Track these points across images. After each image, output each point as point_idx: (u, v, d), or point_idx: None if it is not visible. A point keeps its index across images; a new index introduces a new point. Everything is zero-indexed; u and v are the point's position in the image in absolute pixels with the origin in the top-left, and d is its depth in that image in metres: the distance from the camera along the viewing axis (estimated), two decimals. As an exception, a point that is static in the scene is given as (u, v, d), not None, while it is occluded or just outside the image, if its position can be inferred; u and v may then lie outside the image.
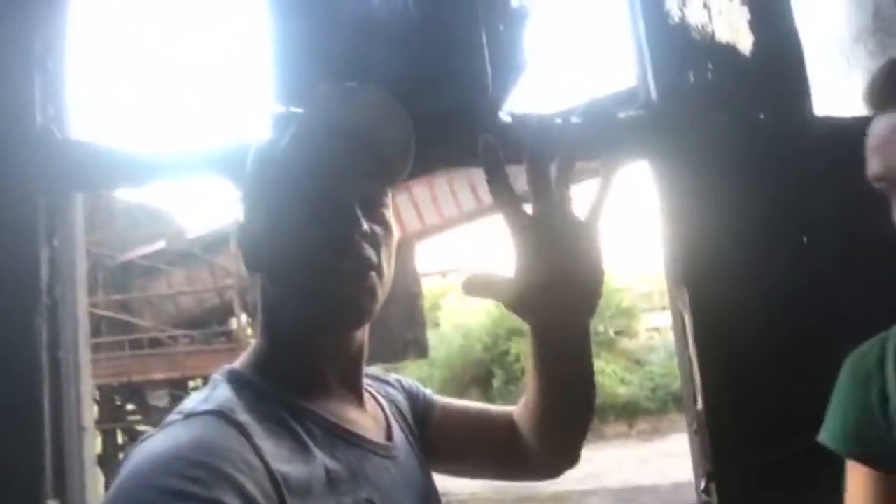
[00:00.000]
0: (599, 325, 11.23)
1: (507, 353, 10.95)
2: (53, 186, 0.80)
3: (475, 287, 0.49)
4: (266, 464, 0.40)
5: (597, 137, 0.92)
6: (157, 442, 0.41)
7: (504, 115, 0.91)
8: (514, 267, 0.48)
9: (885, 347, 0.55)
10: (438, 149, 0.84)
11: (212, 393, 0.46)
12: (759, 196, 0.90)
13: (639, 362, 11.21)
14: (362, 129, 0.49)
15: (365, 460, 0.48)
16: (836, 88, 1.06)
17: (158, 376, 7.34)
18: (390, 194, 0.52)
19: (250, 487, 0.38)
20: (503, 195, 0.49)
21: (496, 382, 10.75)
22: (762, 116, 0.92)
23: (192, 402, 0.45)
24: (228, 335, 8.10)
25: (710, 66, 0.93)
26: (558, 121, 0.93)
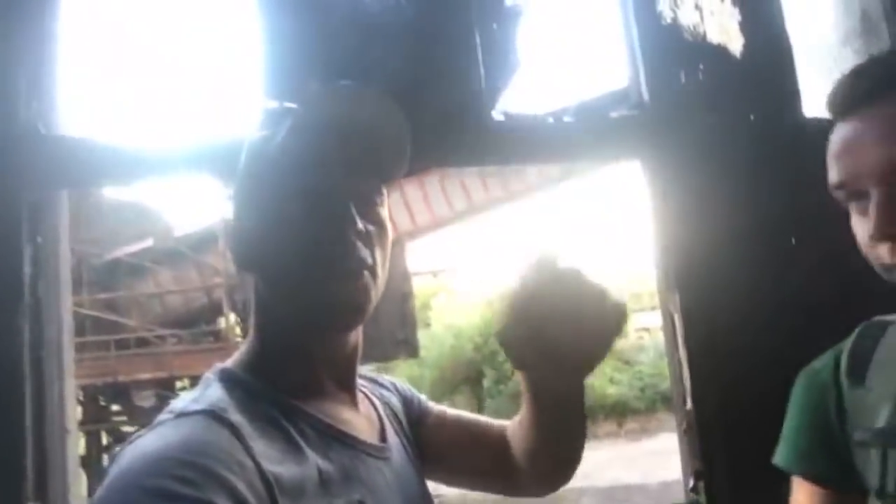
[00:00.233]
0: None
1: (497, 352, 10.97)
2: (37, 183, 0.79)
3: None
4: (258, 464, 0.40)
5: (589, 137, 0.93)
6: (146, 442, 0.40)
7: (497, 115, 0.91)
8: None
9: (838, 362, 0.55)
10: (431, 148, 0.84)
11: (203, 392, 0.45)
12: (749, 196, 0.91)
13: (628, 362, 11.30)
14: (357, 127, 0.49)
15: (358, 461, 0.47)
16: (825, 90, 1.07)
17: (145, 376, 7.25)
18: (385, 192, 0.52)
19: (242, 488, 0.37)
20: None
21: (486, 382, 10.77)
22: (752, 117, 0.93)
23: (184, 401, 0.45)
24: (216, 335, 8.03)
25: (701, 66, 0.94)
26: (551, 120, 0.93)
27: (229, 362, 0.49)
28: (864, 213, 0.47)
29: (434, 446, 0.59)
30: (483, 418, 0.65)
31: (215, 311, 7.95)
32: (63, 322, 0.81)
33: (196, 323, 8.23)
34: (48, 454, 0.78)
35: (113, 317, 7.62)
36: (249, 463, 0.39)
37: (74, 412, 0.85)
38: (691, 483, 0.88)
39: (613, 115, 0.94)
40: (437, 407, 0.63)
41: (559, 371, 0.44)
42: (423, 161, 0.94)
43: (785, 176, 0.91)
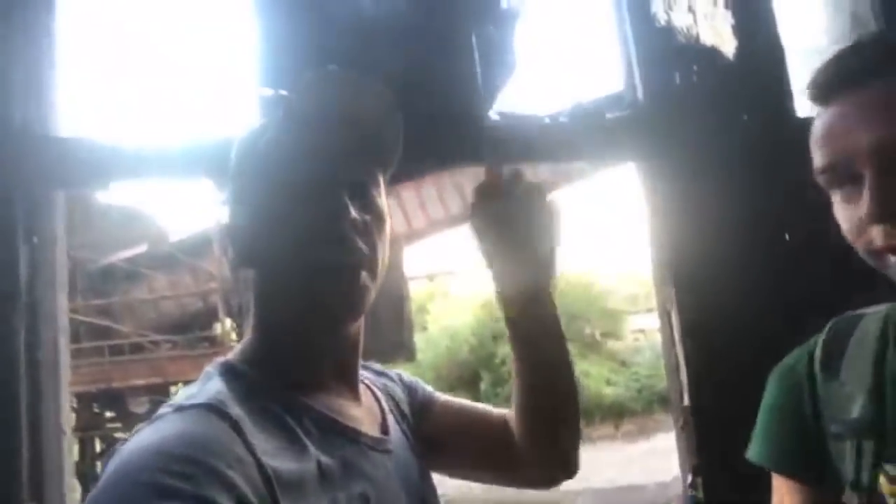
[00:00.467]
0: (585, 328, 11.33)
1: (493, 355, 10.97)
2: (34, 183, 0.79)
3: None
4: (257, 459, 0.40)
5: (584, 137, 0.94)
6: (145, 436, 0.40)
7: (493, 115, 0.92)
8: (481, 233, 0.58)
9: (812, 357, 0.55)
10: (428, 148, 0.84)
11: (204, 386, 0.45)
12: (742, 195, 0.92)
13: (624, 364, 11.32)
14: (347, 113, 0.48)
15: (359, 454, 0.47)
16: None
17: (139, 382, 7.19)
18: (381, 180, 0.51)
19: (240, 483, 0.37)
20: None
21: (483, 385, 10.75)
22: (745, 118, 0.94)
23: (184, 394, 0.45)
24: (212, 340, 7.97)
25: (695, 68, 0.95)
26: (547, 120, 0.94)
27: (230, 356, 0.49)
28: (851, 198, 0.46)
29: (438, 435, 0.59)
30: (484, 406, 0.65)
31: (211, 316, 7.90)
32: (59, 323, 0.80)
33: (191, 328, 8.18)
34: (44, 456, 0.77)
35: (107, 322, 7.56)
36: (248, 457, 0.39)
37: (70, 414, 0.84)
38: (689, 479, 0.88)
39: (609, 115, 0.95)
40: (441, 396, 0.63)
41: (519, 258, 0.56)
42: (419, 162, 0.95)
43: (778, 175, 0.92)
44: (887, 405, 0.48)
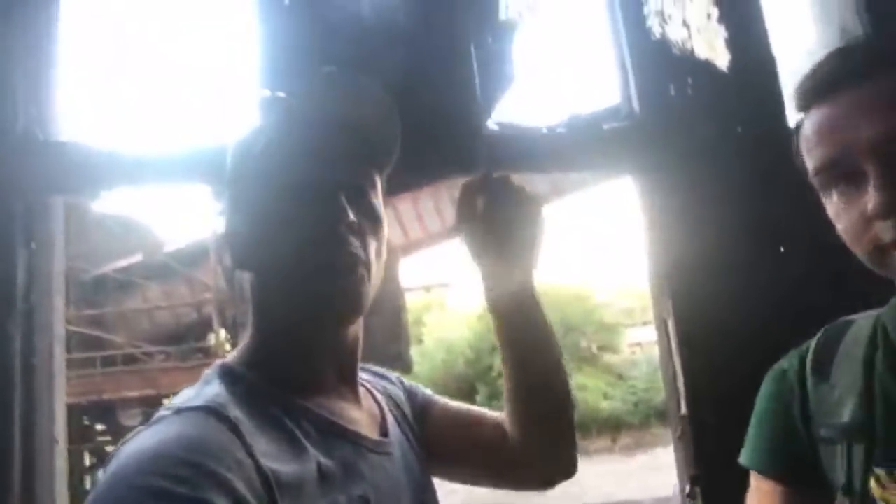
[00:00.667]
0: (582, 341, 11.30)
1: (490, 368, 10.92)
2: (33, 189, 0.79)
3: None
4: (256, 461, 0.39)
5: (581, 148, 0.95)
6: (143, 439, 0.40)
7: (492, 125, 0.93)
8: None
9: (804, 361, 0.55)
10: (426, 159, 0.85)
11: (203, 388, 0.45)
12: (737, 205, 0.93)
13: (621, 377, 11.29)
14: (345, 114, 0.48)
15: (359, 456, 0.47)
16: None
17: (132, 394, 7.10)
18: (378, 181, 0.51)
19: (240, 486, 0.37)
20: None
21: (479, 398, 10.68)
22: (740, 129, 0.96)
23: (183, 397, 0.45)
24: (206, 351, 7.90)
25: (689, 80, 0.97)
26: (544, 131, 0.95)
27: (229, 358, 0.49)
28: (850, 198, 0.45)
29: (437, 438, 0.59)
30: (480, 409, 0.65)
31: (205, 327, 7.84)
32: (55, 330, 0.80)
33: (185, 339, 8.10)
34: (36, 465, 0.76)
35: (99, 333, 7.49)
36: (248, 460, 0.39)
37: (64, 423, 0.83)
38: (687, 489, 0.88)
39: (605, 126, 0.96)
40: (440, 400, 0.63)
41: (505, 259, 0.57)
42: (417, 171, 0.95)
43: (772, 186, 0.94)
44: (877, 409, 0.48)
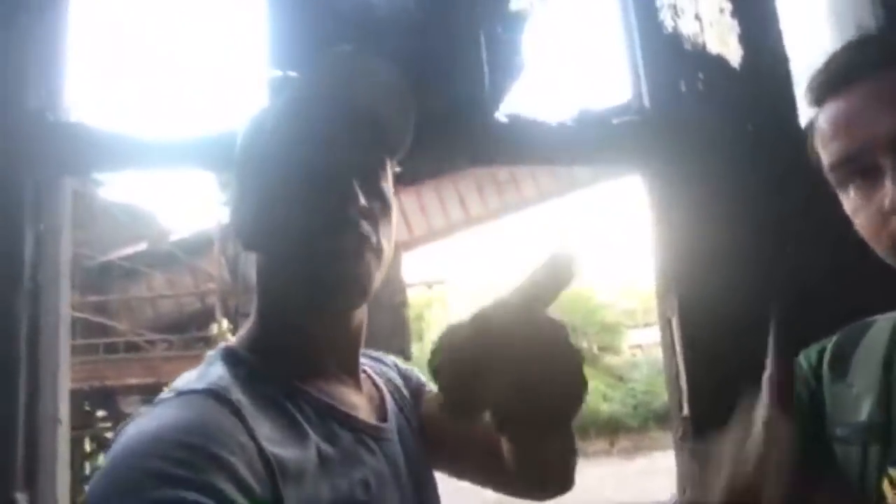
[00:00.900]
0: (583, 341, 11.29)
1: (490, 366, 10.91)
2: (42, 169, 0.79)
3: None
4: (259, 444, 0.39)
5: (591, 141, 0.94)
6: (145, 421, 0.40)
7: (501, 117, 0.92)
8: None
9: (821, 359, 0.54)
10: (435, 149, 0.85)
11: (206, 371, 0.45)
12: (746, 204, 0.92)
13: (621, 379, 11.28)
14: (358, 96, 0.47)
15: (359, 442, 0.47)
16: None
17: (133, 381, 7.14)
18: (390, 166, 0.50)
19: (242, 469, 0.37)
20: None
21: (479, 395, 10.69)
22: (750, 127, 0.95)
23: (185, 379, 0.44)
24: (208, 341, 7.94)
25: (701, 76, 0.96)
26: (554, 124, 0.94)
27: (233, 341, 0.49)
28: (868, 193, 0.45)
29: (431, 428, 0.58)
30: None
31: (208, 316, 7.88)
32: (61, 311, 0.80)
33: (188, 328, 8.15)
34: (39, 445, 0.76)
35: (103, 320, 7.53)
36: (250, 443, 0.39)
37: (67, 403, 0.84)
38: (687, 490, 0.87)
39: (615, 121, 0.96)
40: (433, 391, 0.61)
41: (505, 426, 0.31)
42: (425, 162, 0.95)
43: (782, 184, 0.93)
44: (894, 410, 0.47)
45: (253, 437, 0.39)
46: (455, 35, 0.92)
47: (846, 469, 0.50)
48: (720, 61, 0.96)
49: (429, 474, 0.55)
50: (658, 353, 1.00)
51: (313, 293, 0.46)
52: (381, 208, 0.48)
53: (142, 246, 7.67)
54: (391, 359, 0.63)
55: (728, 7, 0.98)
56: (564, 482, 0.55)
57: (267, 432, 0.41)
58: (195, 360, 0.48)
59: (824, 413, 0.52)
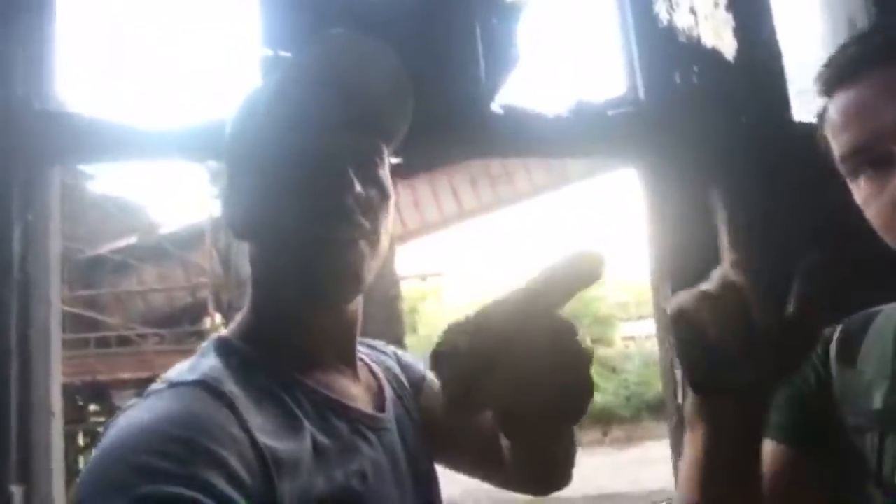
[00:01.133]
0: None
1: (484, 358, 10.96)
2: (30, 158, 0.77)
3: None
4: (252, 436, 0.39)
5: (586, 133, 0.94)
6: (136, 413, 0.39)
7: (496, 108, 0.92)
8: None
9: (827, 348, 0.54)
10: (430, 140, 0.84)
11: (199, 361, 0.44)
12: (739, 195, 0.93)
13: (614, 370, 11.37)
14: (355, 79, 0.45)
15: (356, 432, 0.46)
16: (812, 98, 1.11)
17: (125, 376, 7.10)
18: (386, 152, 0.49)
19: (233, 462, 0.36)
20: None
21: (473, 388, 10.74)
22: (744, 119, 0.95)
23: (178, 370, 0.44)
24: (200, 335, 7.90)
25: (695, 69, 0.96)
26: (549, 116, 0.94)
27: (227, 331, 0.48)
28: (880, 183, 0.44)
29: (427, 419, 0.57)
30: None
31: (200, 310, 7.83)
32: (52, 302, 0.79)
33: (180, 322, 8.09)
34: (32, 437, 0.76)
35: (93, 314, 7.47)
36: (242, 435, 0.38)
37: (60, 396, 0.83)
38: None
39: (610, 113, 0.96)
40: (434, 383, 0.61)
41: (508, 424, 0.30)
42: (418, 153, 0.95)
43: (775, 177, 0.93)
44: None
45: (246, 430, 0.39)
46: (451, 26, 0.91)
47: (858, 457, 0.49)
48: (715, 54, 0.97)
49: (428, 464, 0.55)
50: (650, 345, 1.01)
51: (307, 284, 0.45)
52: (377, 196, 0.47)
53: (132, 239, 7.59)
54: (391, 348, 0.62)
55: (723, 1, 0.98)
56: (562, 479, 0.55)
57: (260, 424, 0.40)
58: (187, 354, 0.48)
59: (832, 402, 0.52)
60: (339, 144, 0.45)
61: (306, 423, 0.43)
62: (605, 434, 10.46)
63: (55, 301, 0.81)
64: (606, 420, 10.58)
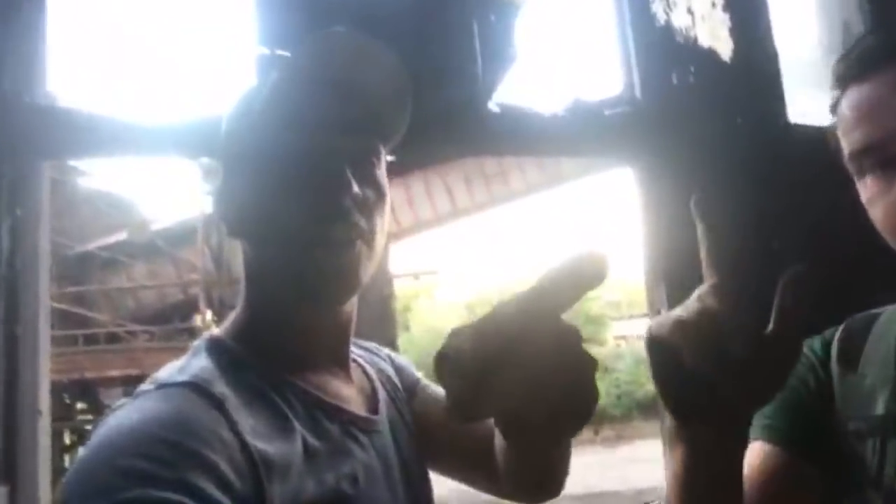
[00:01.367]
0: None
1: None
2: (19, 153, 0.76)
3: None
4: (242, 439, 0.38)
5: (582, 132, 0.94)
6: (124, 415, 0.38)
7: (493, 107, 0.92)
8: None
9: (827, 350, 0.53)
10: (427, 138, 0.84)
11: (189, 362, 0.43)
12: (735, 196, 0.93)
13: (606, 369, 11.46)
14: (353, 79, 0.45)
15: (348, 434, 0.46)
16: (808, 100, 1.11)
17: (114, 373, 7.03)
18: (383, 152, 0.49)
19: (222, 465, 0.36)
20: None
21: (465, 387, 10.77)
22: (740, 120, 0.96)
23: (168, 371, 0.43)
24: (191, 332, 7.84)
25: (692, 69, 0.96)
26: (546, 114, 0.94)
27: (219, 331, 0.47)
28: (886, 183, 0.43)
29: (419, 424, 0.56)
30: None
31: (191, 307, 7.77)
32: (40, 298, 0.78)
33: (170, 320, 8.03)
34: (19, 436, 0.74)
35: (82, 311, 7.38)
36: (232, 438, 0.38)
37: (48, 395, 0.82)
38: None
39: (607, 112, 0.96)
40: (430, 386, 0.59)
41: (510, 430, 0.29)
42: (414, 151, 0.94)
43: (769, 177, 0.94)
44: None
45: (236, 432, 0.38)
46: (447, 23, 0.90)
47: (856, 462, 0.48)
48: (711, 54, 0.97)
49: (421, 467, 0.54)
50: (641, 345, 1.01)
51: (302, 285, 0.45)
52: (374, 197, 0.46)
53: (122, 235, 7.51)
54: (385, 351, 0.61)
55: (720, 1, 0.99)
56: (554, 487, 0.55)
57: (251, 426, 0.39)
58: (178, 351, 0.47)
59: (830, 405, 0.51)
60: (336, 144, 0.45)
61: (297, 425, 0.43)
62: (596, 433, 10.53)
63: (44, 297, 0.79)
64: (597, 419, 10.66)
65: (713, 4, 0.98)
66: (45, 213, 0.80)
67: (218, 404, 0.39)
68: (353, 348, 0.53)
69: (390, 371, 0.58)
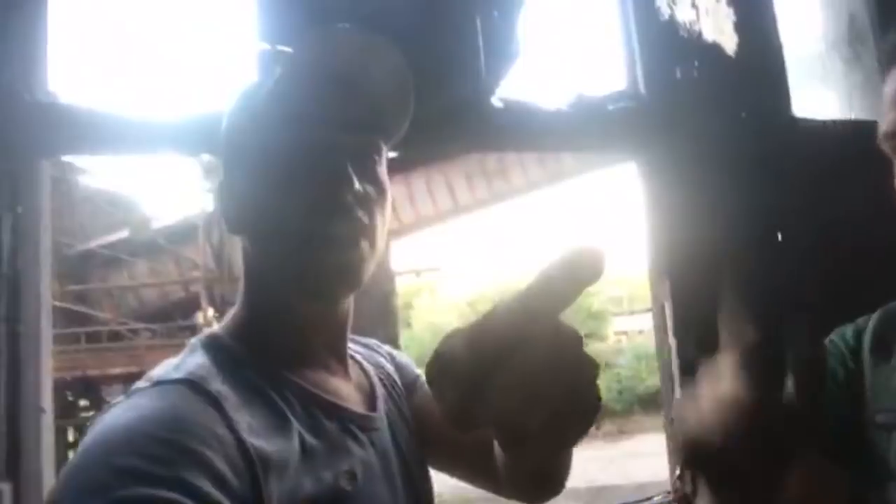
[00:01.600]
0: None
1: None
2: (20, 150, 0.75)
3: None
4: (238, 437, 0.38)
5: (586, 127, 0.94)
6: (119, 413, 0.38)
7: (496, 103, 0.91)
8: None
9: (859, 339, 0.52)
10: (430, 134, 0.83)
11: (186, 359, 0.43)
12: (739, 191, 0.93)
13: (607, 365, 11.48)
14: (356, 76, 0.45)
15: (347, 431, 0.46)
16: (813, 93, 1.11)
17: (116, 371, 7.06)
18: (385, 149, 0.48)
19: (219, 463, 0.35)
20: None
21: (466, 383, 10.79)
22: (744, 115, 0.95)
23: (164, 368, 0.43)
24: (193, 330, 7.86)
25: (696, 63, 0.95)
26: (549, 110, 0.93)
27: (217, 328, 0.47)
28: None
29: (421, 420, 0.56)
30: None
31: (193, 305, 7.78)
32: (42, 296, 0.78)
33: (172, 317, 8.04)
34: (21, 434, 0.74)
35: (84, 309, 7.40)
36: (228, 435, 0.37)
37: (50, 392, 0.82)
38: (677, 472, 0.89)
39: (610, 107, 0.95)
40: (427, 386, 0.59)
41: (508, 439, 0.27)
42: (416, 147, 0.93)
43: (774, 172, 0.93)
44: None
45: (232, 429, 0.38)
46: (450, 19, 0.90)
47: (882, 456, 0.47)
48: (715, 49, 0.96)
49: (421, 464, 0.54)
50: (642, 340, 1.01)
51: (303, 282, 0.44)
52: (376, 193, 0.46)
53: (124, 233, 7.52)
54: (385, 348, 0.61)
55: (724, -6, 0.98)
56: (556, 488, 0.54)
57: (249, 423, 0.39)
58: (180, 348, 0.47)
59: (860, 396, 0.50)
60: (338, 140, 0.44)
61: (295, 423, 0.42)
62: (597, 428, 10.56)
63: (45, 295, 0.79)
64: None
65: (717, -2, 0.98)
66: (47, 211, 0.80)
67: (214, 401, 0.39)
68: (351, 345, 0.53)
69: (390, 368, 0.58)
